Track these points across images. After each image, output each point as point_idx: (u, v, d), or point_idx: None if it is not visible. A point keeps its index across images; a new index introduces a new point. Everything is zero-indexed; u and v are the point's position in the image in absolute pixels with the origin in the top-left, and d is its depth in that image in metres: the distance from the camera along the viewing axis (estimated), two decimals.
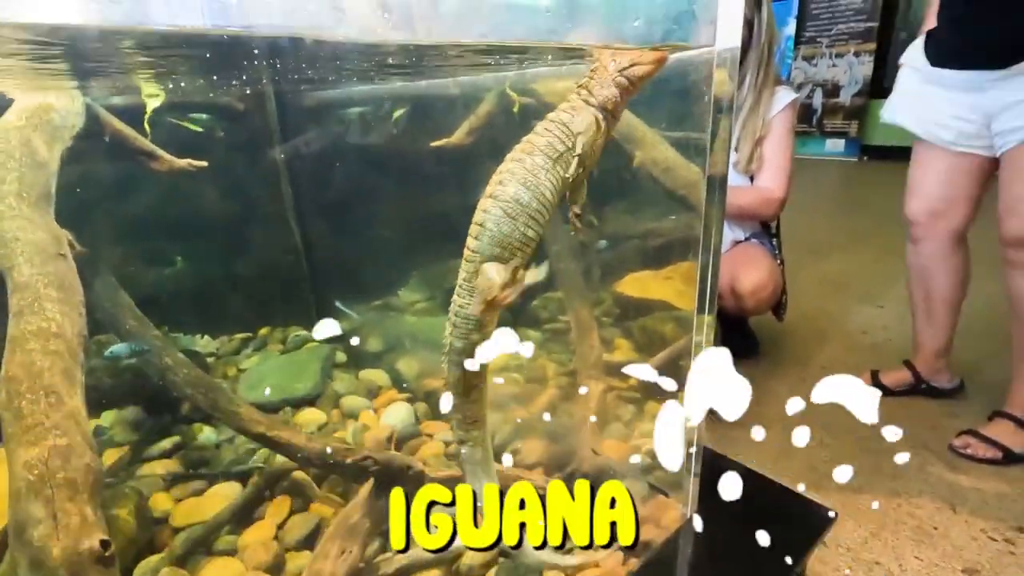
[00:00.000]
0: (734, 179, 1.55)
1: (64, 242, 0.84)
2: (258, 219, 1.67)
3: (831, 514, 0.90)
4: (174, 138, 1.29)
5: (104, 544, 0.64)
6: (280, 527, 0.97)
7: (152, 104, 1.17)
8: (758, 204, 1.52)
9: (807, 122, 5.53)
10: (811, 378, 1.67)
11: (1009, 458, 1.25)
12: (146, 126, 1.15)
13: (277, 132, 1.59)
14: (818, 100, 5.48)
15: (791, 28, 5.70)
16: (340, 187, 1.68)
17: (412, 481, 0.87)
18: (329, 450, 0.95)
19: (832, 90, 5.42)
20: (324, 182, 1.68)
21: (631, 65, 0.58)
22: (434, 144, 1.39)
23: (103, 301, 1.08)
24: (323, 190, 1.70)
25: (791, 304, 1.79)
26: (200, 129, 1.39)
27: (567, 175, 0.55)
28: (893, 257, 2.78)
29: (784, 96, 1.49)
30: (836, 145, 5.47)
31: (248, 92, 1.47)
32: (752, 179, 1.54)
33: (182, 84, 1.22)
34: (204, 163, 1.24)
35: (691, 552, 0.85)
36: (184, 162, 1.21)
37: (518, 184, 0.53)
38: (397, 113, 1.61)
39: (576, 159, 0.55)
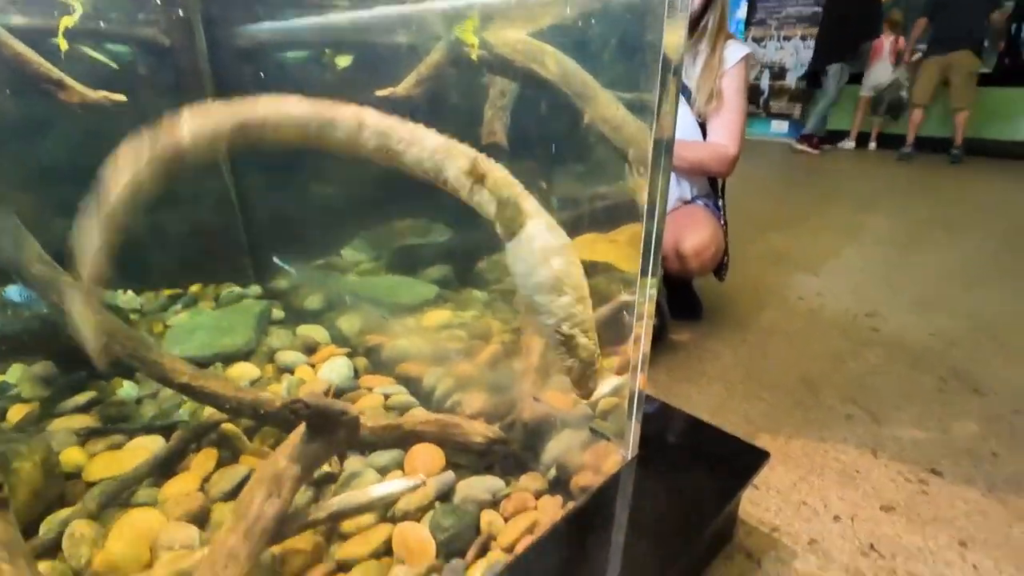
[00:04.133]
0: (688, 133, 1.56)
1: None
2: (186, 168, 1.56)
3: (765, 454, 0.92)
4: (89, 73, 1.18)
5: None
6: (206, 480, 0.92)
7: (64, 23, 1.06)
8: (712, 160, 1.51)
9: (755, 103, 5.69)
10: (752, 339, 1.72)
11: None
12: (60, 41, 1.03)
13: (208, 73, 1.48)
14: (765, 82, 5.63)
15: (743, 10, 5.81)
16: None
17: (347, 428, 0.84)
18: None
19: (779, 73, 5.57)
20: None
21: None
22: (379, 94, 1.33)
23: (3, 240, 0.98)
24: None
25: (734, 271, 1.83)
26: (116, 66, 1.27)
27: None
28: (829, 232, 2.90)
29: (737, 50, 1.49)
30: (780, 126, 5.66)
31: (175, 25, 1.36)
32: (704, 128, 1.55)
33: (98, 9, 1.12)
34: (122, 97, 1.14)
35: (632, 490, 0.86)
36: (99, 95, 1.11)
37: None
38: (340, 59, 1.53)
39: None
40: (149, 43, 1.35)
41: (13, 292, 0.97)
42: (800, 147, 5.17)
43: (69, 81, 1.08)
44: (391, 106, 1.36)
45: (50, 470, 0.87)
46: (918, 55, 4.52)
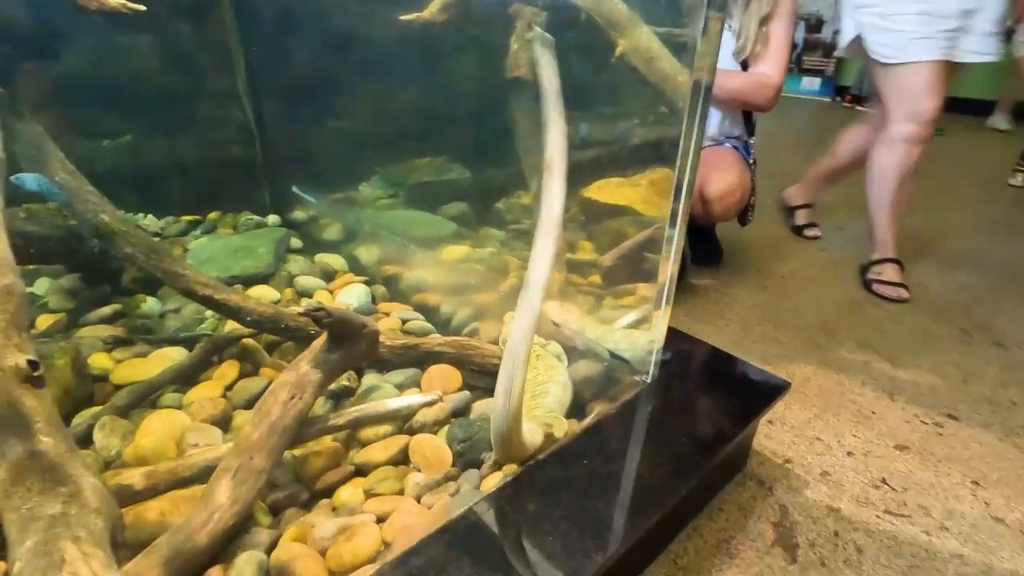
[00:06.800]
0: (726, 65, 1.49)
1: None
2: (205, 94, 1.54)
3: (785, 383, 0.92)
4: None
5: (32, 364, 0.60)
6: (228, 389, 0.94)
7: None
8: (753, 89, 1.43)
9: None
10: (771, 286, 1.69)
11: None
12: None
13: None
14: (800, 35, 5.36)
15: None
16: (298, 67, 1.55)
17: (367, 340, 0.84)
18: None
19: (815, 25, 5.30)
20: (280, 58, 1.56)
21: None
22: (404, 18, 1.28)
23: (28, 149, 0.98)
24: (279, 68, 1.58)
25: (757, 220, 1.79)
26: None
27: None
28: (857, 187, 2.82)
29: None
30: (812, 84, 5.41)
31: None
32: (744, 67, 1.48)
33: None
34: (141, 7, 1.12)
35: (649, 411, 0.86)
36: (118, 2, 1.09)
37: None
38: None
39: None
40: None
41: (31, 180, 0.97)
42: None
43: None
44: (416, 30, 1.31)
45: (79, 370, 0.90)
46: None
